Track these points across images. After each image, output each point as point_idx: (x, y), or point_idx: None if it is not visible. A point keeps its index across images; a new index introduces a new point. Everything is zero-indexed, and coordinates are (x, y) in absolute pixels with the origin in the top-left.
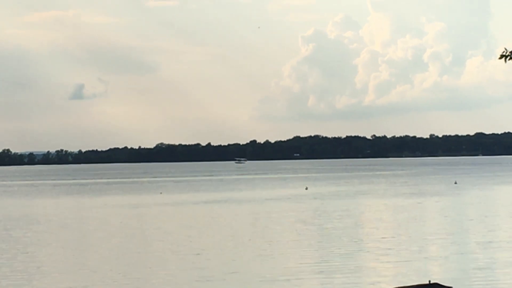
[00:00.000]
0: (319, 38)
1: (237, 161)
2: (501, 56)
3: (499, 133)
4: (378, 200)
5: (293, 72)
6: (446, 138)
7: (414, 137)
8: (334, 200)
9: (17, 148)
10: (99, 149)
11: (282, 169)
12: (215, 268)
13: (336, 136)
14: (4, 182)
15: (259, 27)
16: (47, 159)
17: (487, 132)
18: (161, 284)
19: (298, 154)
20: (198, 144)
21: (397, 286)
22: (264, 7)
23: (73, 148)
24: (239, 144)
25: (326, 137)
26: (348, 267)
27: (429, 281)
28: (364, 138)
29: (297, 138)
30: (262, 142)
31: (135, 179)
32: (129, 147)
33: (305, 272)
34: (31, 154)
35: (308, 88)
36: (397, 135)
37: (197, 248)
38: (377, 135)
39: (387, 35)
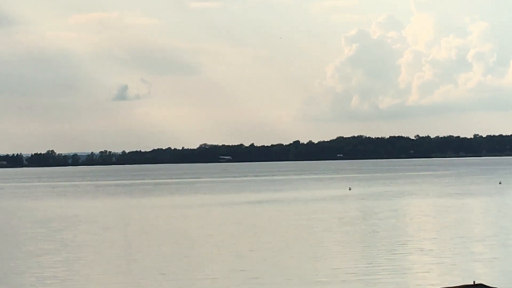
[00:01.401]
0: (362, 38)
1: (221, 160)
2: None
3: None
4: (422, 201)
5: (336, 72)
6: (490, 138)
7: (458, 137)
8: (378, 201)
9: (61, 149)
10: (142, 150)
11: (325, 170)
12: (262, 269)
13: (380, 137)
14: (49, 183)
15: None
16: (91, 160)
17: None
18: (208, 286)
19: (341, 155)
20: (241, 145)
21: (442, 286)
22: (307, 8)
23: (117, 149)
24: (282, 145)
25: (369, 138)
26: (393, 268)
27: (474, 281)
28: (408, 138)
29: (340, 139)
30: (305, 143)
31: (179, 180)
32: (172, 148)
33: (350, 273)
34: (75, 155)
35: (351, 88)
36: (441, 135)
37: (242, 249)
38: (420, 135)
39: (431, 35)
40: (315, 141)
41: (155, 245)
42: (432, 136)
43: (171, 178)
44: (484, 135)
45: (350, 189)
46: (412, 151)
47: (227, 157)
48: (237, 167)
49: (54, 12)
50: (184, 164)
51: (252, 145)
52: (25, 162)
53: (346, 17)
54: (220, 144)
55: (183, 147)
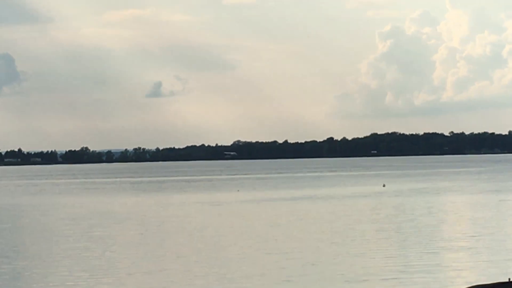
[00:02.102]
0: (396, 34)
1: (226, 155)
2: None
3: None
4: (457, 197)
5: (370, 68)
6: None
7: (493, 133)
8: (412, 197)
9: (95, 146)
10: (176, 147)
11: (359, 166)
12: (297, 267)
13: (414, 133)
14: (84, 180)
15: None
16: (125, 157)
17: None
18: (244, 284)
19: (375, 151)
20: (275, 142)
21: (477, 283)
22: (341, 4)
23: (151, 145)
24: (316, 141)
25: (403, 134)
26: (428, 265)
27: (509, 278)
28: (442, 134)
29: (374, 135)
30: (339, 139)
31: (213, 177)
32: (206, 144)
33: (385, 271)
34: (109, 152)
35: (385, 84)
36: (476, 131)
37: (277, 247)
38: (455, 131)
39: (465, 31)
40: (349, 138)
41: (189, 242)
42: (466, 133)
43: (205, 175)
44: None
45: (384, 185)
46: (446, 148)
47: (232, 153)
48: (271, 163)
49: (90, 9)
50: (218, 161)
51: (286, 141)
52: (59, 159)
53: (381, 13)
54: (254, 140)
55: (216, 144)
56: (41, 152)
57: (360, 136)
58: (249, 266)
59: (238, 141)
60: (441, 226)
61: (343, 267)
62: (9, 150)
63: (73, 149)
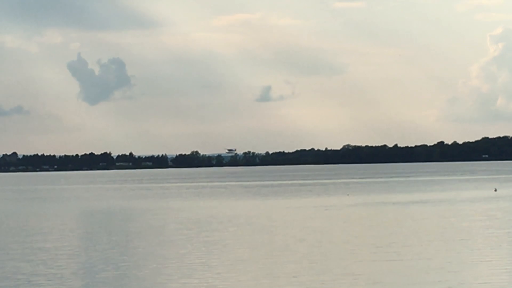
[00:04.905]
0: (508, 37)
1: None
2: None
3: None
4: None
5: (481, 72)
6: None
7: None
8: None
9: (205, 150)
10: (286, 151)
11: (470, 171)
12: (413, 273)
13: None
14: (195, 184)
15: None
16: (235, 160)
17: None
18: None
19: (486, 156)
20: (385, 146)
21: None
22: (452, 7)
23: (260, 150)
24: (426, 146)
25: None
26: None
27: None
28: None
29: (485, 139)
30: (449, 143)
31: (322, 181)
32: (315, 148)
33: (496, 281)
34: (219, 156)
35: (497, 88)
36: None
37: (389, 251)
38: None
39: None
40: (460, 142)
41: (295, 246)
42: None
43: (314, 179)
44: None
45: (495, 190)
46: None
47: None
48: (381, 168)
49: (199, 14)
50: (327, 165)
51: (395, 145)
52: (170, 163)
53: (491, 15)
54: (363, 145)
55: (326, 148)
56: (152, 156)
57: (471, 140)
58: (351, 269)
59: (348, 145)
60: None
61: (449, 274)
62: (120, 154)
63: (183, 153)
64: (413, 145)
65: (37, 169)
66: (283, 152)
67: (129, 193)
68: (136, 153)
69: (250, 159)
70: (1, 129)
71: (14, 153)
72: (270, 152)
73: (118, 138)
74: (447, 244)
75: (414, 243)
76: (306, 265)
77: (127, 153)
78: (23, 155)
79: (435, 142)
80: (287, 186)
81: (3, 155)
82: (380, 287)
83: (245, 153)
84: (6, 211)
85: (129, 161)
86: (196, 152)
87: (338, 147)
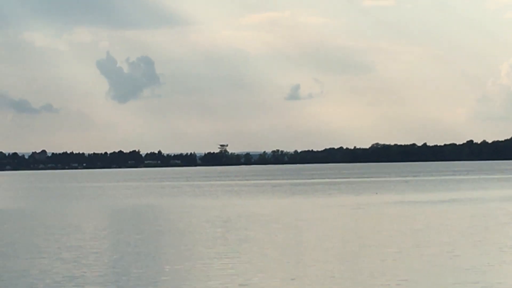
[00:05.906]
0: None
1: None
2: None
3: None
4: None
5: (511, 70)
6: None
7: None
8: None
9: (234, 148)
10: (314, 149)
11: (500, 170)
12: (445, 272)
13: None
14: (224, 182)
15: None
16: (263, 159)
17: None
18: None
19: None
20: (414, 144)
21: None
22: (480, 5)
23: (289, 148)
24: (455, 144)
25: None
26: None
27: None
28: None
29: None
30: (479, 142)
31: (351, 179)
32: (344, 147)
33: None
34: (247, 154)
35: None
36: None
37: (419, 250)
38: None
39: None
40: (489, 141)
41: (324, 246)
42: None
43: (343, 178)
44: None
45: None
46: None
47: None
48: (410, 166)
49: (228, 12)
50: (356, 164)
51: (424, 144)
52: (198, 161)
53: None
54: (392, 143)
55: (355, 147)
56: (181, 154)
57: (500, 139)
58: (380, 270)
59: (377, 143)
60: None
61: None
62: (149, 152)
63: (212, 152)
64: (442, 144)
65: (66, 167)
66: (312, 150)
67: (158, 191)
68: (164, 151)
69: (278, 158)
70: (30, 127)
71: (43, 151)
72: (299, 150)
73: (146, 136)
74: (478, 243)
75: (444, 242)
76: (339, 264)
77: (156, 151)
78: (52, 153)
79: (465, 141)
80: (316, 185)
81: (33, 152)
82: (413, 286)
83: (273, 151)
84: (36, 209)
85: (158, 159)
86: (225, 150)
87: (367, 145)
